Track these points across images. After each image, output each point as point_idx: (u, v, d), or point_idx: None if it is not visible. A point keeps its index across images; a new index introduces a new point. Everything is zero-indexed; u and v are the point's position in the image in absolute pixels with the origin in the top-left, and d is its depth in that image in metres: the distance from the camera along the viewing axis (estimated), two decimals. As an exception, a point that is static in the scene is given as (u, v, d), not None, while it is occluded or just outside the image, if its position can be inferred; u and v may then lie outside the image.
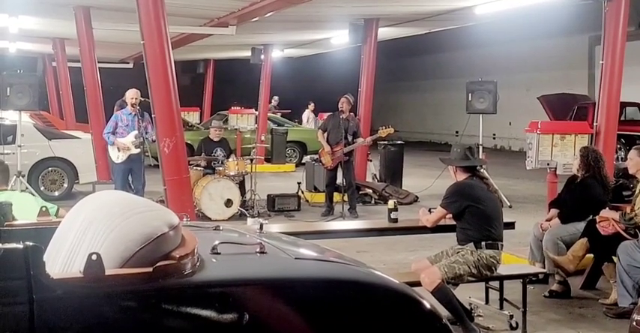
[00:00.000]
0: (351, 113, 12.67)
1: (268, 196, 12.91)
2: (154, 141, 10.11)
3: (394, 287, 3.17)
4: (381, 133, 12.45)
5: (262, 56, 21.62)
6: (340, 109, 12.09)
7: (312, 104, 25.54)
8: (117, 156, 11.31)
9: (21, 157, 12.49)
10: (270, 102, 25.89)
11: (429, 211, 6.69)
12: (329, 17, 15.29)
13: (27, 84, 12.52)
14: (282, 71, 25.24)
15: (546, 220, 7.77)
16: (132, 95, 11.50)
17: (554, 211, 7.86)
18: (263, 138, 20.19)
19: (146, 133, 11.14)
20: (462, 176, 6.33)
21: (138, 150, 11.30)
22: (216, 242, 3.11)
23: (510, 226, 7.23)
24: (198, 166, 12.29)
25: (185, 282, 2.73)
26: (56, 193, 13.74)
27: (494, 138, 28.24)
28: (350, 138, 12.10)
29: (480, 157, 12.33)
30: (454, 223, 6.38)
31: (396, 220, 7.20)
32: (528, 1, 12.98)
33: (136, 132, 11.21)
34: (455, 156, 6.44)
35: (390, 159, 15.20)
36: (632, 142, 17.21)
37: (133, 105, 11.44)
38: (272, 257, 3.18)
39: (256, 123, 20.76)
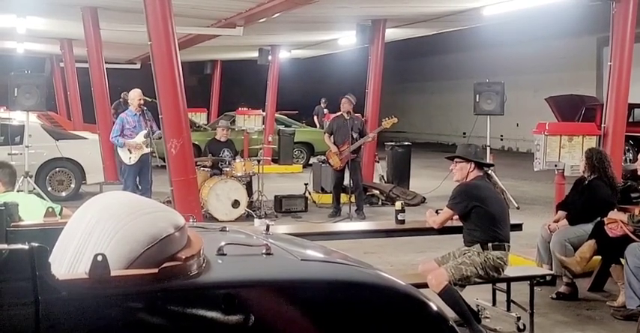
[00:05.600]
0: (357, 114, 12.67)
1: (275, 197, 12.91)
2: (160, 138, 10.14)
3: (401, 289, 3.17)
4: (385, 124, 12.43)
5: (270, 57, 21.64)
6: (347, 111, 12.11)
7: (325, 100, 25.55)
8: (129, 157, 11.28)
9: (28, 158, 12.51)
10: (319, 103, 25.87)
11: (436, 212, 6.67)
12: (336, 18, 15.28)
13: (34, 84, 12.53)
14: (289, 72, 25.23)
15: (554, 222, 7.76)
16: (138, 96, 11.49)
17: (561, 213, 7.85)
18: (270, 139, 20.21)
19: (153, 132, 11.14)
20: (475, 174, 6.30)
21: (149, 149, 11.32)
22: (222, 243, 3.10)
23: (518, 227, 7.20)
24: (205, 166, 12.29)
25: (191, 283, 2.73)
26: (63, 194, 13.76)
27: (501, 139, 28.20)
28: (355, 136, 12.10)
29: (488, 158, 12.32)
30: (461, 224, 6.36)
31: (403, 222, 7.18)
32: (536, 3, 12.94)
33: (145, 131, 11.21)
34: (473, 153, 6.39)
35: (397, 160, 15.19)
36: (640, 143, 17.18)
37: (139, 105, 11.43)
38: (278, 259, 3.17)
39: (263, 124, 20.77)
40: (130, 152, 11.26)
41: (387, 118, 12.40)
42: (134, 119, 11.40)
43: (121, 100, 18.42)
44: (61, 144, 13.79)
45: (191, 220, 3.73)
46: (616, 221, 6.88)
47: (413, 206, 12.90)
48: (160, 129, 10.45)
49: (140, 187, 11.34)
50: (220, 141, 12.89)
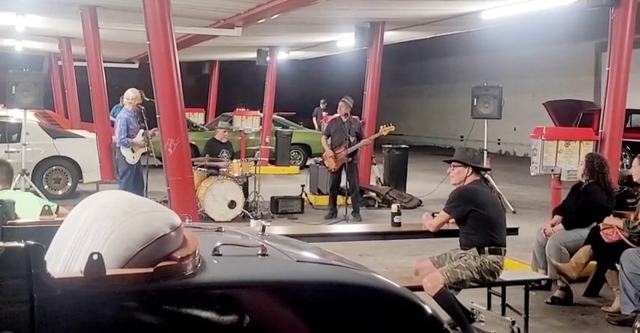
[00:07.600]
0: (354, 116, 12.69)
1: (272, 198, 12.90)
2: (154, 135, 10.10)
3: (395, 291, 3.16)
4: (382, 132, 12.48)
5: (268, 58, 21.67)
6: (344, 113, 12.13)
7: (324, 101, 25.31)
8: (132, 157, 11.22)
9: (25, 156, 12.50)
10: (318, 105, 25.73)
11: (433, 215, 6.68)
12: (335, 20, 15.29)
13: (32, 82, 12.54)
14: (287, 73, 25.23)
15: (550, 226, 7.76)
16: (138, 96, 11.39)
17: (557, 217, 7.86)
18: (267, 140, 20.20)
19: (148, 130, 11.10)
20: (472, 178, 6.31)
21: (146, 148, 11.28)
22: (218, 244, 3.10)
23: (514, 231, 7.20)
24: (202, 167, 12.28)
25: (186, 283, 2.73)
26: (60, 192, 13.76)
27: (498, 143, 28.17)
28: (352, 139, 12.11)
29: (485, 162, 12.32)
30: (457, 227, 6.36)
31: (399, 224, 7.19)
32: (535, 7, 12.96)
33: (142, 131, 11.18)
34: (471, 157, 6.40)
35: (394, 163, 15.18)
36: (637, 149, 17.08)
37: (137, 105, 11.37)
38: (273, 260, 3.17)
39: (261, 125, 20.77)
40: (133, 151, 11.21)
41: (384, 126, 12.42)
42: (134, 119, 11.36)
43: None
44: (58, 142, 13.80)
45: (187, 220, 3.72)
46: (612, 227, 6.89)
47: (409, 209, 12.89)
48: (151, 127, 10.47)
49: (135, 186, 11.30)
50: (220, 141, 12.89)
